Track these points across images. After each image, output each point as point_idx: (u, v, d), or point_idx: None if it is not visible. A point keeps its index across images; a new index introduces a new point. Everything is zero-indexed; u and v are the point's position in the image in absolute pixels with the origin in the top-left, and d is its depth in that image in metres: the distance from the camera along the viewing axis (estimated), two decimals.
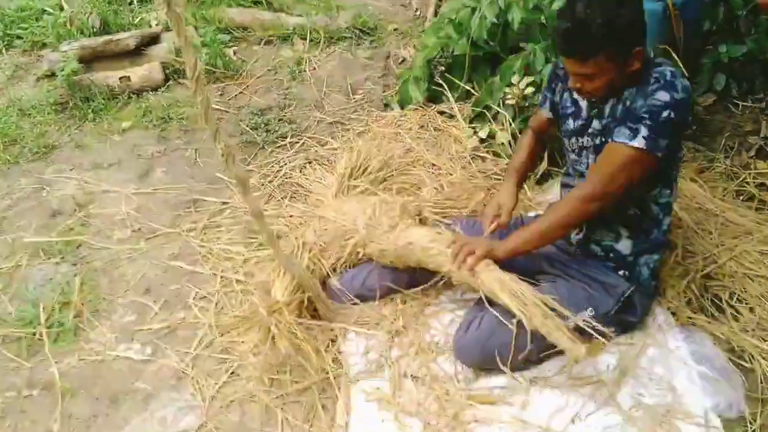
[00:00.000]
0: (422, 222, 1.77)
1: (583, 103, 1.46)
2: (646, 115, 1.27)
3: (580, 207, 1.36)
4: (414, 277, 1.66)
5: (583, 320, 1.34)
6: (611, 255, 1.51)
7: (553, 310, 1.36)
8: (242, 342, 1.65)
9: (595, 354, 1.36)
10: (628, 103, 1.35)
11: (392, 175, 2.10)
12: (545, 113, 1.62)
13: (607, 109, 1.41)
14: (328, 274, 1.71)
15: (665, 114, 1.26)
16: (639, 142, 1.27)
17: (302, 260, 1.65)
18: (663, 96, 1.27)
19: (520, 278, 1.42)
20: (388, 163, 2.11)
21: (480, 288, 1.46)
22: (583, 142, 1.48)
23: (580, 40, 1.25)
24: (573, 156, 1.54)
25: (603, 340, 1.34)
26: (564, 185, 1.64)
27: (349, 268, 1.75)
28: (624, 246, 1.49)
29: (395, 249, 1.61)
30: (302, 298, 1.61)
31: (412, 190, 2.07)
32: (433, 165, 2.16)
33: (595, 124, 1.42)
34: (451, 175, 2.12)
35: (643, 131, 1.26)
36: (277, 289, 1.57)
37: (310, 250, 1.70)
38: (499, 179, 2.09)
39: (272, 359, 1.57)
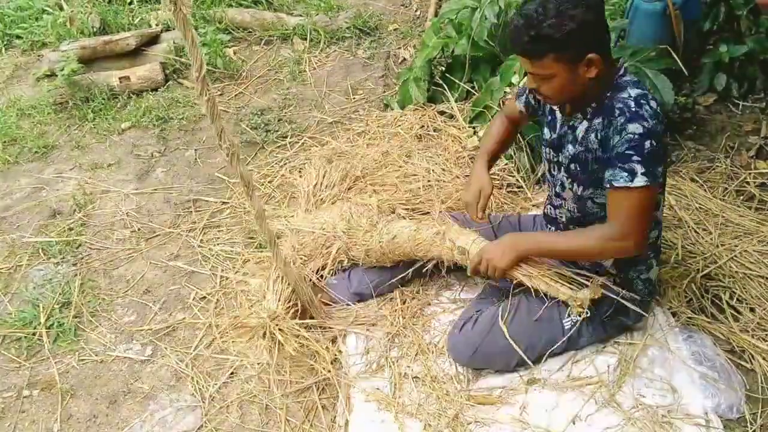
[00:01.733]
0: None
1: (558, 115, 1.46)
2: (632, 152, 1.24)
3: (610, 246, 1.32)
4: (404, 277, 1.66)
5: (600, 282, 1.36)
6: (598, 270, 1.49)
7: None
8: (246, 351, 1.64)
9: (596, 294, 1.35)
10: (600, 135, 1.31)
11: (382, 174, 2.10)
12: (520, 106, 1.59)
13: (579, 133, 1.37)
14: (313, 282, 1.71)
15: (647, 145, 1.24)
16: (641, 181, 1.25)
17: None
18: (635, 128, 1.24)
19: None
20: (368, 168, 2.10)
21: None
22: (557, 159, 1.47)
23: (527, 39, 1.22)
24: (547, 167, 1.53)
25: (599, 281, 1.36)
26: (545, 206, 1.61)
27: (338, 272, 1.74)
28: (608, 263, 1.47)
29: (380, 246, 1.62)
30: (295, 306, 1.61)
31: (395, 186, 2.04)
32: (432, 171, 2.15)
33: (570, 148, 1.40)
34: (450, 176, 2.12)
35: (639, 168, 1.24)
36: (270, 300, 1.57)
37: (293, 262, 1.71)
38: (498, 179, 2.09)
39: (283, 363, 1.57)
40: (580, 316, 1.37)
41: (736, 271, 1.72)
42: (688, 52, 2.24)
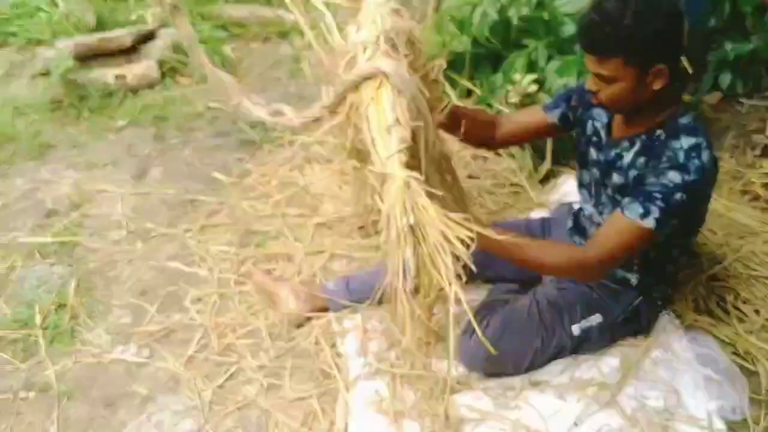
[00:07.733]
0: None
1: (604, 136, 1.40)
2: (659, 196, 1.21)
3: (572, 269, 1.28)
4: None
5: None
6: (620, 283, 1.47)
7: None
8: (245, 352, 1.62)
9: None
10: (638, 172, 1.29)
11: None
12: (552, 118, 1.50)
13: (624, 164, 1.32)
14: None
15: (677, 196, 1.20)
16: (649, 223, 1.21)
17: None
18: (674, 177, 1.21)
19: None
20: None
21: None
22: (604, 183, 1.40)
23: (600, 37, 1.17)
24: (587, 183, 1.46)
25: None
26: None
27: (338, 278, 1.72)
28: (634, 278, 1.45)
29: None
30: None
31: None
32: None
33: (615, 177, 1.35)
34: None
35: (655, 212, 1.21)
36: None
37: None
38: (500, 179, 2.07)
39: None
40: None
41: (741, 272, 1.71)
42: (692, 50, 2.22)
